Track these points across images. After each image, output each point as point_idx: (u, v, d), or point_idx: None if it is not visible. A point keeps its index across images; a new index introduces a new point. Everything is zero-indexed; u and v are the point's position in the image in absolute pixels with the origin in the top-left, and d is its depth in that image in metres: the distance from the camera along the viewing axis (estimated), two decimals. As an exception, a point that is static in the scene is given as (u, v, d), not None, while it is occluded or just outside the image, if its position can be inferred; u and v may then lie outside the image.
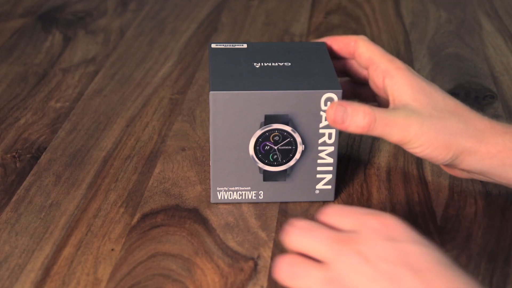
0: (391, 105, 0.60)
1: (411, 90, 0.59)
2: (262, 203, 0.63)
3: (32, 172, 0.68)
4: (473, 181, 0.67)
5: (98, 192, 0.65)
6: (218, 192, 0.62)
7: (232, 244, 0.59)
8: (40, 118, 0.77)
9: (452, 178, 0.68)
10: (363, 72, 0.66)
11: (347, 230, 0.48)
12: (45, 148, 0.71)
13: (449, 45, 0.94)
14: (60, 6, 1.06)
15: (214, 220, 0.61)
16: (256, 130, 0.60)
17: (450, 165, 0.61)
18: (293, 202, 0.63)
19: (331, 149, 0.61)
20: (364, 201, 0.64)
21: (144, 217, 0.62)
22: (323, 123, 0.60)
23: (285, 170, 0.62)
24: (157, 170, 0.68)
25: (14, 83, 0.84)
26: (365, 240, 0.46)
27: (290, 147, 0.61)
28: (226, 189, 0.62)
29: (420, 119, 0.58)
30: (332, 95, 0.59)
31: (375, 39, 0.96)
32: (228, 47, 0.64)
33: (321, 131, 0.60)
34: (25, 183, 0.66)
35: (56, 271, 0.56)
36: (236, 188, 0.62)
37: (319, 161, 0.62)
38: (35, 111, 0.78)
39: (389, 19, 1.03)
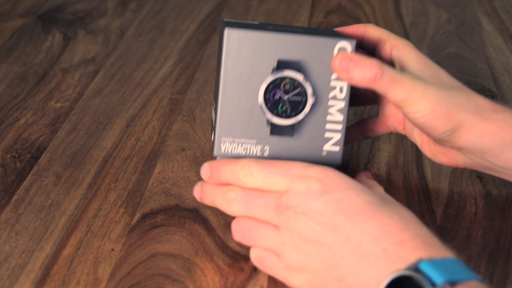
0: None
1: (417, 62, 0.59)
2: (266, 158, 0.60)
3: (32, 172, 0.68)
4: (473, 181, 0.67)
5: (98, 192, 0.65)
6: (222, 143, 0.60)
7: (232, 244, 0.59)
8: (40, 118, 0.77)
9: (452, 178, 0.68)
10: None
11: (283, 191, 0.52)
12: (45, 148, 0.71)
13: (449, 45, 0.94)
14: (60, 6, 1.06)
15: (214, 220, 0.61)
16: (268, 76, 0.58)
17: (447, 142, 0.59)
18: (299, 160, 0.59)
19: (341, 104, 0.60)
20: (364, 201, 0.64)
21: (144, 217, 0.62)
22: (335, 75, 0.59)
23: (293, 125, 0.60)
24: (157, 170, 0.68)
25: (14, 83, 0.84)
26: (301, 201, 0.51)
27: (300, 99, 0.59)
28: (231, 140, 0.60)
29: (425, 84, 0.57)
30: (346, 44, 0.58)
31: (375, 39, 0.96)
32: (239, 21, 0.64)
33: (332, 83, 0.59)
34: (25, 183, 0.66)
35: (56, 271, 0.56)
36: (241, 140, 0.60)
37: (328, 117, 0.60)
38: (35, 111, 0.78)
39: (389, 19, 1.03)
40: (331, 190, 0.51)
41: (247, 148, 0.60)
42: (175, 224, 0.61)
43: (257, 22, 0.63)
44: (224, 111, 0.59)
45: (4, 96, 0.81)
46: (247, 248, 0.58)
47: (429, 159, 0.70)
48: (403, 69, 0.59)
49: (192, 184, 0.66)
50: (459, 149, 0.60)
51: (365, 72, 0.56)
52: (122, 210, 0.63)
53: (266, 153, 0.60)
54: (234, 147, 0.60)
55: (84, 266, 0.56)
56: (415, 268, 0.45)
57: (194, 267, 0.56)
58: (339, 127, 0.60)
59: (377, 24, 1.01)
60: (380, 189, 0.56)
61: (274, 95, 0.59)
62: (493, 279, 0.55)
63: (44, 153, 0.71)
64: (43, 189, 0.65)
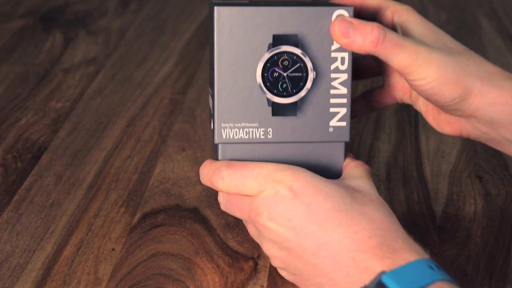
0: None
1: (421, 27, 0.56)
2: (271, 143, 0.57)
3: (33, 172, 0.68)
4: (472, 181, 0.67)
5: (99, 192, 0.65)
6: (223, 130, 0.56)
7: (232, 243, 0.59)
8: (41, 118, 0.77)
9: (452, 178, 0.68)
10: None
11: (255, 195, 0.52)
12: (45, 148, 0.72)
13: (449, 45, 0.94)
14: (61, 7, 1.06)
15: (214, 219, 0.62)
16: (264, 53, 0.55)
17: (455, 110, 0.57)
18: (305, 142, 0.57)
19: (344, 76, 0.56)
20: (364, 201, 0.64)
21: (145, 217, 0.62)
22: (335, 45, 0.55)
23: (295, 103, 0.56)
24: (157, 170, 0.68)
25: (15, 83, 0.84)
26: (270, 207, 0.50)
27: (301, 74, 0.56)
28: (232, 125, 0.56)
29: (429, 49, 0.54)
30: (343, 12, 0.55)
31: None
32: (229, 1, 0.59)
33: (333, 54, 0.56)
34: (26, 183, 0.66)
35: (57, 270, 0.56)
36: (242, 124, 0.56)
37: (332, 91, 0.56)
38: (36, 111, 0.79)
39: (389, 19, 1.03)
40: (300, 195, 0.50)
41: (249, 132, 0.57)
42: (175, 224, 0.61)
43: (247, 1, 0.59)
44: (221, 96, 0.56)
45: (5, 96, 0.82)
46: (248, 248, 0.58)
47: (428, 159, 0.70)
48: (406, 35, 0.56)
49: (192, 184, 0.66)
50: (468, 118, 0.57)
51: (366, 36, 0.53)
52: (122, 210, 0.63)
53: (270, 136, 0.57)
54: (236, 132, 0.57)
55: (84, 266, 0.56)
56: (378, 281, 0.45)
57: (194, 266, 0.56)
58: (344, 100, 0.57)
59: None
60: (361, 171, 0.55)
61: (272, 73, 0.56)
62: (493, 278, 0.55)
63: (45, 153, 0.71)
64: (44, 189, 0.65)
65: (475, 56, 0.56)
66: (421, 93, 0.56)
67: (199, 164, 0.69)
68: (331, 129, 0.57)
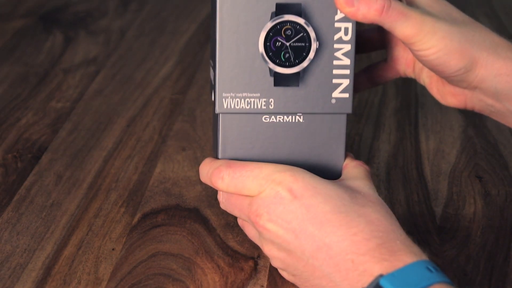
0: None
1: None
2: (272, 114, 0.57)
3: (33, 172, 0.68)
4: (472, 181, 0.67)
5: (99, 192, 0.65)
6: (224, 100, 0.55)
7: (232, 243, 0.59)
8: (41, 118, 0.77)
9: (451, 178, 0.68)
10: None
11: (254, 195, 0.52)
12: (46, 148, 0.72)
13: (449, 45, 0.94)
14: (61, 7, 1.06)
15: (215, 219, 0.62)
16: (267, 22, 0.54)
17: (460, 81, 0.56)
18: (307, 113, 0.57)
19: (347, 47, 0.56)
20: (364, 201, 0.64)
21: (145, 216, 0.62)
22: (339, 15, 0.55)
23: (298, 73, 0.55)
24: (157, 170, 0.68)
25: (15, 83, 0.84)
26: (270, 208, 0.50)
27: (303, 44, 0.55)
28: (233, 95, 0.56)
29: (434, 19, 0.53)
30: None
31: (375, 39, 0.96)
32: None
33: (336, 24, 0.55)
34: (26, 183, 0.66)
35: (57, 270, 0.56)
36: (244, 94, 0.56)
37: (335, 62, 0.56)
38: (36, 111, 0.79)
39: (389, 19, 1.03)
40: (300, 197, 0.50)
41: (251, 103, 0.56)
42: (175, 224, 0.61)
43: None
44: (223, 65, 0.55)
45: (5, 96, 0.82)
46: (248, 248, 0.58)
47: (428, 159, 0.70)
48: (411, 5, 0.55)
49: (192, 184, 0.66)
50: (473, 89, 0.57)
51: (371, 5, 0.52)
52: (122, 209, 0.63)
53: (272, 107, 0.56)
54: (237, 102, 0.56)
55: (85, 266, 0.56)
56: (376, 284, 0.45)
57: (194, 266, 0.56)
58: (347, 72, 0.56)
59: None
60: (360, 171, 0.55)
61: (275, 42, 0.55)
62: (492, 278, 0.56)
63: (45, 153, 0.71)
64: (44, 189, 0.65)
65: (480, 27, 0.56)
66: (426, 64, 0.56)
67: (199, 164, 0.69)
68: (333, 101, 0.57)
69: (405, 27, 0.53)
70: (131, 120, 0.77)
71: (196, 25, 1.01)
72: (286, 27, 0.55)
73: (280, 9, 0.54)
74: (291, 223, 0.49)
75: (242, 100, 0.56)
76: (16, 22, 1.01)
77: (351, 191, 0.51)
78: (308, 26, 0.55)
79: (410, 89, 0.84)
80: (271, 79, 0.56)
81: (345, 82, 0.56)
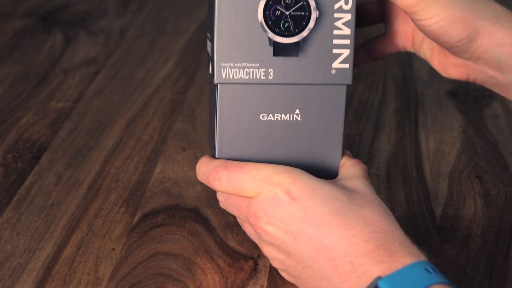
0: None
1: None
2: (272, 84, 0.56)
3: (33, 172, 0.68)
4: (472, 181, 0.67)
5: (99, 192, 0.65)
6: (222, 69, 0.55)
7: (232, 243, 0.59)
8: (41, 118, 0.77)
9: (451, 178, 0.68)
10: None
11: (252, 196, 0.51)
12: (46, 148, 0.72)
13: (449, 45, 0.94)
14: (61, 7, 1.06)
15: (215, 219, 0.62)
16: None
17: (463, 52, 0.56)
18: (306, 84, 0.56)
19: (348, 17, 0.55)
20: (364, 201, 0.64)
21: (145, 216, 0.62)
22: None
23: (297, 43, 0.55)
24: (157, 170, 0.68)
25: (15, 84, 0.84)
26: (268, 210, 0.50)
27: (303, 13, 0.54)
28: (232, 65, 0.55)
29: None
30: None
31: (375, 39, 0.96)
32: None
33: None
34: (26, 182, 0.66)
35: (57, 270, 0.56)
36: (243, 64, 0.55)
37: (335, 32, 0.55)
38: (36, 111, 0.79)
39: (389, 19, 1.03)
40: (298, 199, 0.50)
41: (249, 73, 0.55)
42: (175, 224, 0.61)
43: None
44: (221, 35, 0.54)
45: (5, 96, 0.82)
46: (248, 248, 0.58)
47: (428, 159, 0.70)
48: None
49: (192, 184, 0.66)
50: (475, 60, 0.57)
51: None
52: (122, 209, 0.63)
53: (271, 77, 0.55)
54: (236, 72, 0.55)
55: (85, 266, 0.56)
56: (375, 286, 0.45)
57: (194, 266, 0.56)
58: (347, 42, 0.55)
59: (377, 24, 1.01)
60: (358, 170, 0.55)
61: (274, 11, 0.54)
62: (492, 278, 0.56)
63: (45, 153, 0.71)
64: (44, 189, 0.65)
65: None
66: (428, 34, 0.55)
67: (199, 164, 0.69)
68: (333, 71, 0.56)
69: None
70: (131, 120, 0.77)
71: (196, 25, 1.01)
72: None
73: None
74: (289, 225, 0.49)
75: (241, 70, 0.55)
76: (16, 22, 1.01)
77: (349, 191, 0.51)
78: None
79: (410, 89, 0.84)
80: (270, 49, 0.55)
81: (345, 52, 0.55)
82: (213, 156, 0.56)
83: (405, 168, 0.69)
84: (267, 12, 0.54)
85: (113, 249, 0.58)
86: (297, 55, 0.55)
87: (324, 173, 0.57)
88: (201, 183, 0.66)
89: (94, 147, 0.72)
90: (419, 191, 0.66)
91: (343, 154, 0.57)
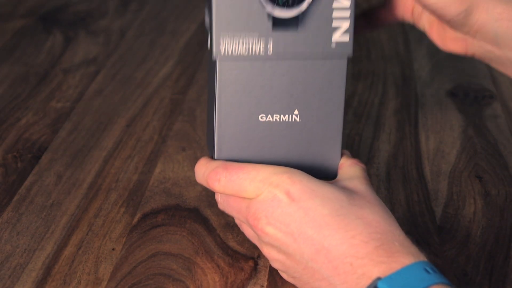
0: None
1: None
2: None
3: (33, 172, 0.68)
4: (472, 181, 0.67)
5: (99, 192, 0.65)
6: (222, 40, 0.54)
7: (232, 243, 0.59)
8: (41, 118, 0.77)
9: (451, 178, 0.68)
10: None
11: (252, 198, 0.51)
12: (46, 148, 0.72)
13: (449, 45, 0.94)
14: (61, 7, 1.06)
15: (215, 219, 0.62)
16: None
17: (461, 26, 0.57)
18: (306, 58, 0.55)
19: None
20: (364, 201, 0.64)
21: (145, 216, 0.62)
22: None
23: (297, 16, 0.54)
24: (157, 170, 0.68)
25: (15, 84, 0.84)
26: (268, 212, 0.50)
27: None
28: (231, 35, 0.54)
29: None
30: None
31: (374, 39, 0.96)
32: None
33: None
34: (26, 182, 0.66)
35: (57, 270, 0.56)
36: (242, 33, 0.54)
37: (334, 4, 0.54)
38: (36, 111, 0.79)
39: (389, 19, 1.03)
40: (297, 199, 0.49)
41: (249, 45, 0.54)
42: (175, 224, 0.61)
43: None
44: (220, 6, 0.53)
45: (5, 96, 0.82)
46: (248, 248, 0.58)
47: (428, 159, 0.70)
48: None
49: (192, 184, 0.66)
50: (474, 34, 0.57)
51: None
52: (122, 209, 0.63)
53: (270, 51, 0.54)
54: (235, 45, 0.54)
55: (85, 266, 0.56)
56: (375, 287, 0.45)
57: (194, 266, 0.56)
58: (347, 14, 0.54)
59: (377, 24, 1.01)
60: (357, 170, 0.55)
61: None
62: (492, 278, 0.56)
63: (45, 153, 0.71)
64: (44, 189, 0.65)
65: None
66: (426, 7, 0.56)
67: (199, 164, 0.69)
68: (333, 44, 0.55)
69: None
70: (131, 120, 0.77)
71: (196, 25, 1.01)
72: None
73: None
74: (289, 226, 0.49)
75: (240, 42, 0.54)
76: (16, 22, 1.01)
77: (348, 192, 0.51)
78: None
79: (410, 89, 0.84)
80: (269, 23, 0.54)
81: (345, 25, 0.55)
82: (211, 157, 0.56)
83: (405, 168, 0.69)
84: None
85: (113, 249, 0.58)
86: (297, 28, 0.54)
87: (324, 173, 0.57)
88: (201, 183, 0.66)
89: (94, 147, 0.72)
90: (419, 191, 0.66)
91: (342, 154, 0.57)
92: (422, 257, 0.47)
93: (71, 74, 0.87)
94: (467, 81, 0.85)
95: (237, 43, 0.54)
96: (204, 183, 0.55)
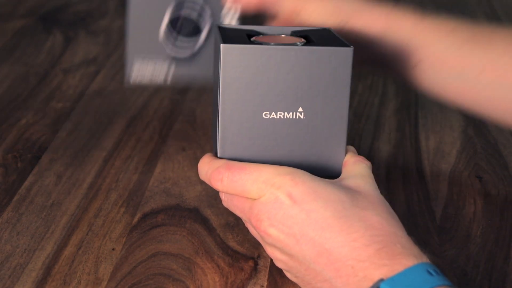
0: None
1: None
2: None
3: (33, 172, 0.68)
4: (472, 181, 0.67)
5: (99, 192, 0.65)
6: (133, 67, 0.68)
7: (232, 243, 0.59)
8: (41, 118, 0.77)
9: (451, 178, 0.68)
10: None
11: (254, 199, 0.52)
12: (46, 148, 0.72)
13: (449, 45, 0.94)
14: (61, 7, 1.06)
15: (215, 219, 0.62)
16: (170, 3, 0.66)
17: (345, 35, 0.65)
18: (200, 83, 0.68)
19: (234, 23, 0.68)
20: (364, 201, 0.64)
21: (145, 216, 0.62)
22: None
23: (195, 43, 0.67)
24: (157, 170, 0.68)
25: (15, 83, 0.84)
26: (271, 214, 0.50)
27: (200, 20, 0.67)
28: (141, 61, 0.67)
29: None
30: None
31: (375, 39, 0.96)
32: None
33: (228, 6, 0.67)
34: (26, 182, 0.66)
35: (57, 270, 0.56)
36: (150, 63, 0.67)
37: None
38: (36, 111, 0.79)
39: (389, 19, 1.03)
40: (300, 201, 0.49)
41: (155, 70, 0.67)
42: (175, 224, 0.61)
43: None
44: (134, 32, 0.65)
45: (5, 96, 0.82)
46: (248, 248, 0.58)
47: (428, 159, 0.70)
48: None
49: (192, 184, 0.66)
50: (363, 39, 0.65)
51: None
52: (122, 209, 0.63)
53: (170, 77, 0.68)
54: (144, 69, 0.67)
55: (85, 266, 0.56)
56: None
57: (194, 266, 0.56)
58: None
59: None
60: (361, 168, 0.55)
61: (177, 19, 0.66)
62: (492, 278, 0.56)
63: (45, 153, 0.71)
64: (44, 189, 0.65)
65: None
66: (303, 24, 0.65)
67: (199, 164, 0.69)
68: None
69: (286, 6, 0.64)
70: (131, 120, 0.77)
71: (196, 25, 1.01)
72: (188, 4, 0.66)
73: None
74: (292, 228, 0.49)
75: (149, 67, 0.67)
76: (16, 22, 1.01)
77: (352, 192, 0.51)
78: (206, 4, 0.66)
79: (410, 89, 0.84)
80: (172, 51, 0.66)
81: None
82: (215, 154, 0.56)
83: (405, 168, 0.69)
84: (171, 24, 0.66)
85: (113, 249, 0.58)
86: (194, 57, 0.67)
87: (328, 171, 0.57)
88: (201, 183, 0.66)
89: (94, 147, 0.72)
90: (419, 191, 0.66)
91: (347, 151, 0.57)
92: (424, 259, 0.47)
93: (71, 74, 0.87)
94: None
95: (146, 67, 0.67)
96: (207, 182, 0.55)
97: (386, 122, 0.77)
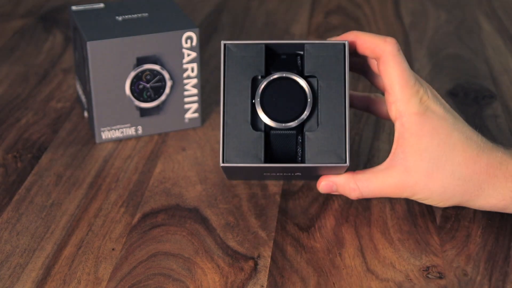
0: (392, 152, 0.59)
1: (417, 143, 0.58)
2: (142, 137, 0.73)
3: (33, 172, 0.68)
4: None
5: (99, 192, 0.65)
6: (102, 133, 0.72)
7: (232, 243, 0.59)
8: (41, 118, 0.77)
9: (451, 178, 0.68)
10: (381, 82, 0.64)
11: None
12: (46, 148, 0.72)
13: (449, 45, 0.94)
14: (61, 7, 1.06)
15: (215, 219, 0.62)
16: (130, 72, 0.70)
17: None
18: (167, 132, 0.74)
19: (194, 81, 0.73)
20: (364, 201, 0.64)
21: (145, 216, 0.62)
22: (186, 59, 0.71)
23: (158, 105, 0.73)
24: (157, 170, 0.68)
25: (15, 83, 0.84)
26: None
27: (161, 84, 0.72)
28: (109, 128, 0.72)
29: (412, 181, 0.58)
30: (191, 33, 0.71)
31: (375, 39, 0.96)
32: (88, 8, 0.74)
33: (184, 66, 0.72)
34: (26, 182, 0.66)
35: (57, 270, 0.56)
36: (117, 126, 0.72)
37: (185, 93, 0.73)
38: (36, 111, 0.79)
39: (388, 19, 1.03)
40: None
41: (123, 131, 0.73)
42: (175, 224, 0.61)
43: (102, 5, 0.75)
44: (98, 107, 0.70)
45: (5, 96, 0.82)
46: (248, 248, 0.58)
47: (428, 159, 0.70)
48: (398, 148, 0.59)
49: (192, 184, 0.66)
50: None
51: (349, 197, 0.61)
52: (122, 209, 0.63)
53: (140, 131, 0.73)
54: (113, 133, 0.72)
55: (85, 266, 0.56)
56: None
57: (194, 266, 0.56)
58: (195, 98, 0.74)
59: (376, 24, 1.01)
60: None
61: (138, 85, 0.71)
62: (492, 278, 0.56)
63: (45, 153, 0.71)
64: (44, 189, 0.65)
65: (466, 163, 0.59)
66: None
67: (199, 164, 0.69)
68: (186, 120, 0.75)
69: (385, 196, 0.61)
70: (131, 120, 0.77)
71: (196, 25, 1.01)
72: (146, 73, 0.70)
73: (140, 61, 0.70)
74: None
75: (117, 131, 0.72)
76: (16, 22, 1.01)
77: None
78: (163, 70, 0.71)
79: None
80: (137, 112, 0.72)
81: (194, 106, 0.74)
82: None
83: (405, 168, 0.69)
84: (133, 87, 0.70)
85: (113, 249, 0.58)
86: (159, 113, 0.73)
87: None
88: (201, 183, 0.66)
89: (94, 147, 0.72)
90: (419, 191, 0.66)
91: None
92: None
93: (71, 74, 0.87)
94: (467, 81, 0.85)
95: (114, 132, 0.72)
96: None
97: (386, 122, 0.77)
